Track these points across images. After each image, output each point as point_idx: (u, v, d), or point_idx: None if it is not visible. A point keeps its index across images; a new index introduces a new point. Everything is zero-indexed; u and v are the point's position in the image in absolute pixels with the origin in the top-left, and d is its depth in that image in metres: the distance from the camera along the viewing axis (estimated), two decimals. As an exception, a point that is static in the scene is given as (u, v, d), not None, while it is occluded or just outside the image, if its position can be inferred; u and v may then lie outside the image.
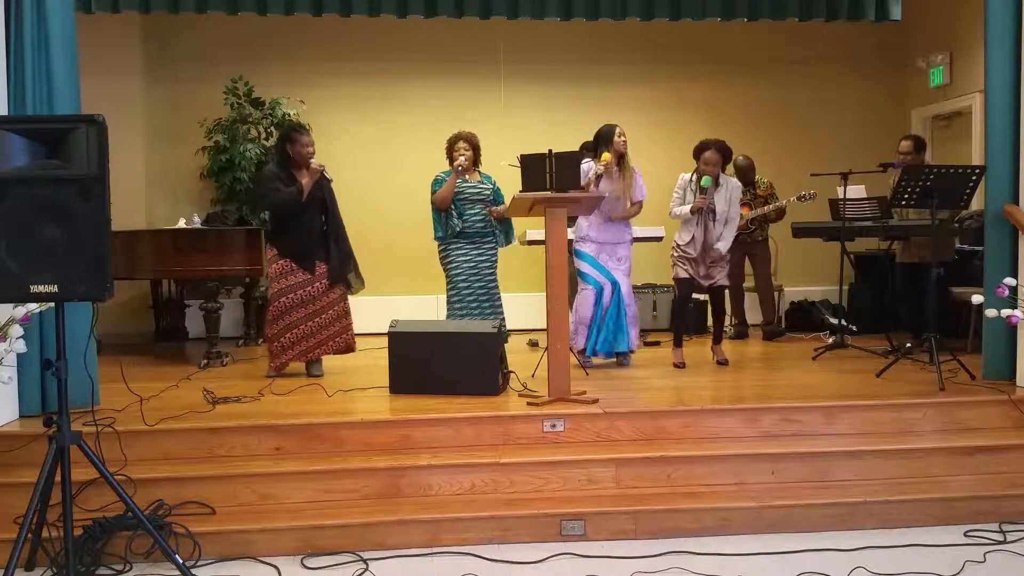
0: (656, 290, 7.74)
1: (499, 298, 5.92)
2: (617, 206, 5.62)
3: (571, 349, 5.62)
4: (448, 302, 5.85)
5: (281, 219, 5.36)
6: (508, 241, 6.04)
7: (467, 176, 5.82)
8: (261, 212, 6.83)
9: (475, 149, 5.83)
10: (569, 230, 6.25)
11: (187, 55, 7.81)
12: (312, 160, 5.28)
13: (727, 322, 7.42)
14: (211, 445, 4.06)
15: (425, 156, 6.89)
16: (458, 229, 5.77)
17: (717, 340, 6.01)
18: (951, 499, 3.87)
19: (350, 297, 5.57)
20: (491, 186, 5.92)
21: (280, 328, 5.37)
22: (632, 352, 5.76)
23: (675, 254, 5.82)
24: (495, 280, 5.91)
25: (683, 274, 5.77)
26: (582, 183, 5.44)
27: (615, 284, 5.60)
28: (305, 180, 5.25)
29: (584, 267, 5.65)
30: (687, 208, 5.68)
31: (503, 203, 5.86)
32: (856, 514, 3.81)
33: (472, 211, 5.80)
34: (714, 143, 5.73)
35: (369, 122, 8.11)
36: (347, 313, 5.52)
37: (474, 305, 5.77)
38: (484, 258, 5.85)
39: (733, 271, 6.30)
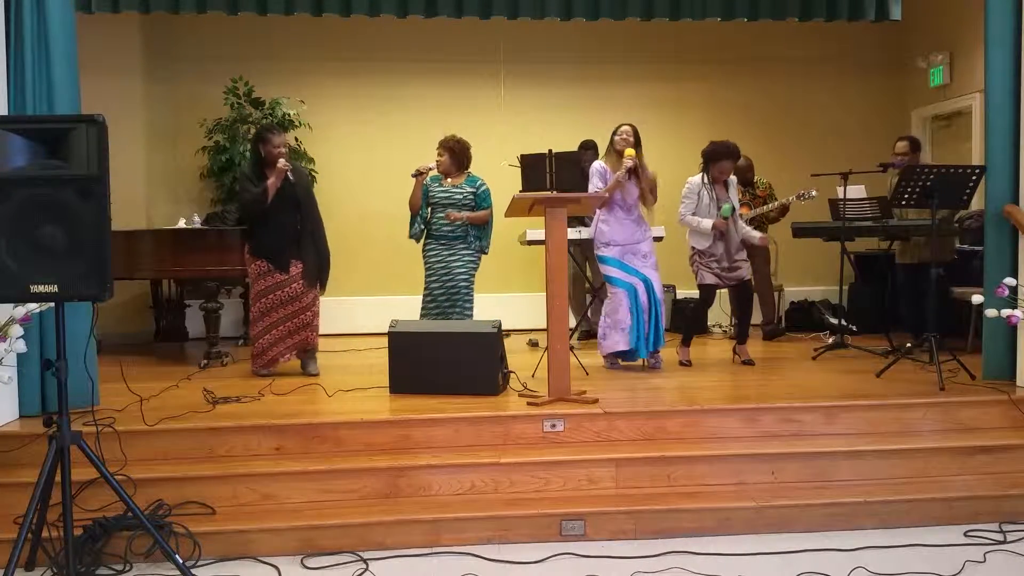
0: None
1: (468, 301, 5.78)
2: (635, 206, 5.55)
3: (602, 354, 5.60)
4: (422, 301, 5.85)
5: (251, 218, 5.42)
6: (482, 250, 5.90)
7: (449, 180, 5.79)
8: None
9: (452, 152, 5.74)
10: (580, 233, 6.27)
11: (187, 55, 7.81)
12: (280, 160, 5.27)
13: (728, 321, 7.43)
14: (211, 445, 4.06)
15: (425, 156, 6.87)
16: (419, 231, 5.80)
17: (742, 340, 5.87)
18: (951, 499, 3.87)
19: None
20: (471, 190, 5.78)
21: (262, 328, 5.40)
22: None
23: (698, 259, 5.71)
24: (467, 282, 5.78)
25: (711, 279, 5.69)
26: (599, 184, 5.42)
27: (647, 281, 5.48)
28: (271, 180, 5.27)
29: (611, 271, 5.51)
30: (707, 224, 5.57)
31: (488, 207, 5.79)
32: (856, 514, 3.81)
33: (441, 215, 5.76)
34: (729, 153, 5.62)
35: (369, 122, 8.10)
36: (318, 313, 5.54)
37: (447, 304, 5.72)
38: (455, 258, 5.76)
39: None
